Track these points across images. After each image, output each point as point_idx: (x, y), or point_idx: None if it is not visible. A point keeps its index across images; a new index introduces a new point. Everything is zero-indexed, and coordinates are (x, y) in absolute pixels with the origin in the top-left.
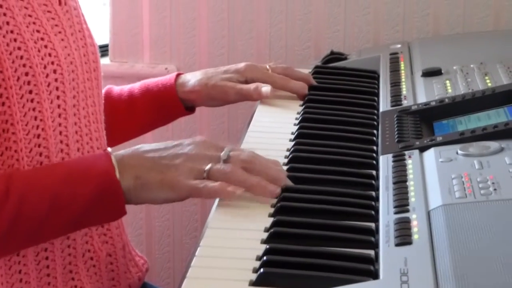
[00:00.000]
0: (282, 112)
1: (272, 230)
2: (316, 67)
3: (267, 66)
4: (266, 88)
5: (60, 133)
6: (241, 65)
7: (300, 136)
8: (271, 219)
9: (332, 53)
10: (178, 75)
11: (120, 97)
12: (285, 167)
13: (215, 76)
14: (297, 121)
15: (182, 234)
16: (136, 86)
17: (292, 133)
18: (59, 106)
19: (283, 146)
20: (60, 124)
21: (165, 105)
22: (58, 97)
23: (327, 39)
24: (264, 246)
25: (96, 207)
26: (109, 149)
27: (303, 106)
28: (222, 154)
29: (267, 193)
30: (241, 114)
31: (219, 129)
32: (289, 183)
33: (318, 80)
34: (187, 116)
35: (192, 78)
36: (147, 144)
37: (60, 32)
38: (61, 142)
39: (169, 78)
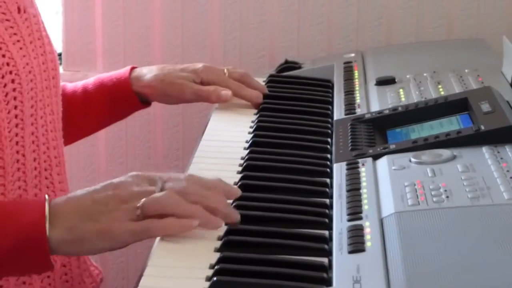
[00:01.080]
0: (237, 120)
1: (225, 238)
2: (271, 75)
3: (225, 70)
4: (225, 92)
5: (17, 143)
6: (199, 65)
7: (254, 145)
8: (224, 228)
9: (286, 62)
10: (132, 69)
11: (75, 93)
12: (238, 175)
13: (172, 73)
14: (251, 129)
15: (136, 244)
16: (90, 82)
17: (247, 142)
18: (16, 116)
19: (237, 155)
20: (17, 134)
21: (120, 99)
22: (15, 107)
23: (281, 48)
24: (217, 255)
25: (16, 259)
26: (46, 196)
27: (258, 115)
28: (155, 187)
29: (210, 226)
30: (196, 123)
31: (173, 138)
32: (231, 212)
33: (272, 88)
34: (141, 125)
35: (148, 73)
36: (82, 190)
37: (18, 41)
38: (18, 152)
39: (123, 72)
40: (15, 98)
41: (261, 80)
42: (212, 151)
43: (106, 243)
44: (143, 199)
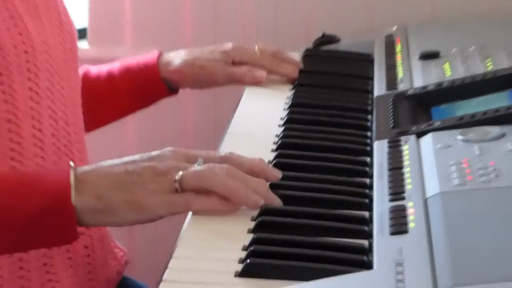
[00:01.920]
0: (271, 96)
1: (259, 219)
2: (307, 50)
3: (256, 48)
4: (260, 73)
5: (33, 117)
6: (228, 45)
7: (289, 121)
8: (258, 209)
9: (323, 36)
10: (160, 54)
11: (99, 78)
12: (273, 154)
13: (201, 56)
14: (286, 106)
15: (165, 226)
16: (115, 67)
17: (281, 119)
18: (31, 89)
19: (271, 132)
20: (32, 108)
21: (147, 86)
22: (29, 79)
23: (319, 22)
24: (251, 236)
25: (40, 228)
26: (71, 163)
27: (293, 90)
28: (195, 164)
29: (250, 202)
30: (227, 102)
31: (205, 117)
32: (270, 196)
33: (309, 64)
34: (170, 105)
35: (176, 58)
36: (113, 160)
37: (32, 9)
38: (34, 127)
39: (150, 57)
40: (29, 70)
41: (296, 56)
42: (244, 129)
43: (137, 215)
44: (181, 172)
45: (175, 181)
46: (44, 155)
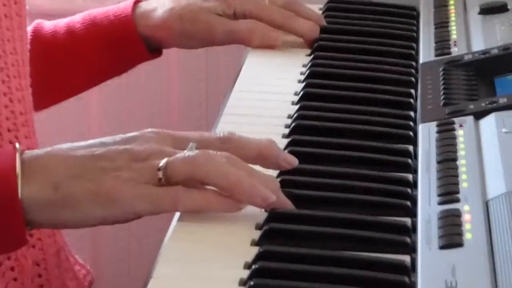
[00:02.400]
0: (282, 63)
1: (266, 227)
2: (330, 1)
3: None
4: (274, 34)
5: None
6: None
7: (306, 98)
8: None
9: None
10: (136, 3)
11: (55, 35)
12: (285, 140)
13: (193, 4)
14: (302, 77)
15: (142, 234)
16: (77, 19)
17: (296, 94)
18: None
19: (283, 112)
20: None
21: (120, 46)
22: None
23: None
24: (255, 249)
25: None
26: (17, 145)
27: (312, 56)
28: (186, 150)
29: (258, 196)
30: (224, 68)
31: (194, 88)
32: (281, 197)
33: (332, 19)
34: (149, 73)
35: (158, 7)
36: (74, 143)
37: None
38: None
39: (123, 7)
40: None
41: (316, 8)
42: (247, 107)
43: (106, 211)
44: (167, 158)
45: (159, 169)
46: None
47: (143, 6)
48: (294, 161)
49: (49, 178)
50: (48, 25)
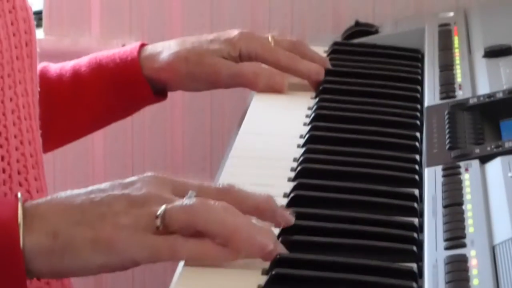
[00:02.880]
0: (287, 106)
1: (272, 272)
2: (335, 43)
3: (270, 37)
4: (280, 78)
5: None
6: (234, 33)
7: (312, 141)
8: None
9: (357, 24)
10: (142, 46)
11: (61, 78)
12: (290, 184)
13: (198, 47)
14: (308, 120)
15: (145, 280)
16: (83, 62)
17: (302, 137)
18: None
19: (289, 155)
20: None
21: (125, 89)
22: None
23: (351, 5)
24: None
25: None
26: (19, 194)
27: (317, 99)
28: (185, 198)
29: (256, 246)
30: (230, 110)
31: (198, 130)
32: (278, 247)
33: (338, 62)
34: (153, 114)
35: (164, 50)
36: (74, 190)
37: None
38: None
39: (129, 50)
40: None
41: (321, 50)
42: (253, 149)
43: (106, 258)
44: (165, 205)
45: (156, 216)
46: None
47: (149, 49)
48: (290, 220)
49: (48, 226)
50: (54, 68)
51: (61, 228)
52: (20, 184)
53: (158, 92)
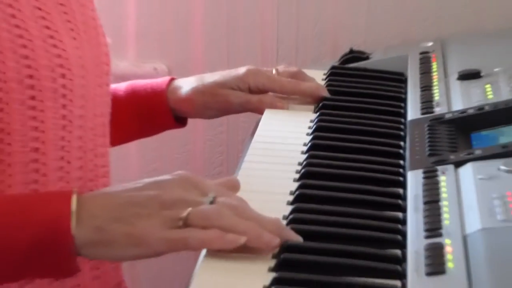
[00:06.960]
0: (293, 120)
1: (281, 256)
2: (333, 67)
3: (273, 70)
4: (281, 104)
5: (62, 148)
6: (242, 70)
7: (313, 148)
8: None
9: (351, 51)
10: (171, 80)
11: None
12: (295, 184)
13: (212, 82)
14: (310, 131)
15: (176, 262)
16: (121, 87)
17: (305, 144)
18: (64, 117)
19: (294, 160)
20: (63, 138)
21: (152, 113)
22: (64, 106)
23: (346, 35)
24: (272, 275)
25: (35, 260)
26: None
27: (318, 113)
28: (205, 199)
29: (262, 243)
30: (242, 123)
31: (216, 140)
32: (286, 233)
33: (335, 83)
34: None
35: (185, 85)
36: (118, 186)
37: (72, 30)
38: (62, 158)
39: (160, 82)
40: (64, 96)
41: (321, 73)
42: (264, 155)
43: (138, 250)
44: (189, 209)
45: (180, 218)
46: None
47: (175, 83)
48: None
49: (93, 221)
50: None
51: (103, 223)
52: (91, 190)
53: (179, 120)
